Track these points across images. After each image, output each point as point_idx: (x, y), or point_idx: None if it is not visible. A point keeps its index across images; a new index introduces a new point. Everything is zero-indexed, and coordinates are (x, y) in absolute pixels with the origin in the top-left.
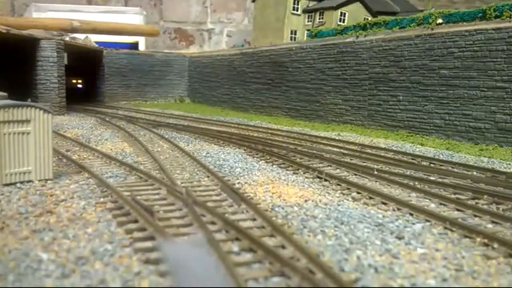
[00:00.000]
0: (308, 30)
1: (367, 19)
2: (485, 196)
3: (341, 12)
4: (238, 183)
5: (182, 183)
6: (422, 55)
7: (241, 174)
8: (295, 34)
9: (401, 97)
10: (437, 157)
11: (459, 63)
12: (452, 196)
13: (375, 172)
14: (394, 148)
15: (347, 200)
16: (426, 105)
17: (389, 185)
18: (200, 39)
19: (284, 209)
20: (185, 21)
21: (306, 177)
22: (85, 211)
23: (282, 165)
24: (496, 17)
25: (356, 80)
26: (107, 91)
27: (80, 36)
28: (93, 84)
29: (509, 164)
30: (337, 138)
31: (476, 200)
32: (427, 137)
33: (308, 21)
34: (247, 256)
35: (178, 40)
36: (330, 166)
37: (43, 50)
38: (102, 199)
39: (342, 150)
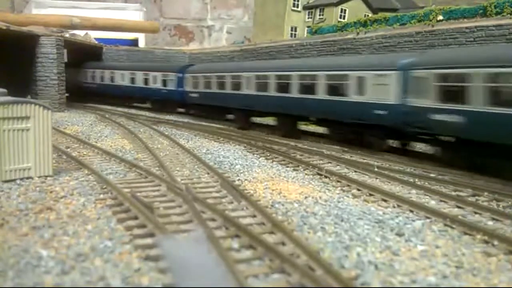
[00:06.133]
0: (308, 26)
1: (368, 15)
2: (486, 193)
3: (342, 9)
4: (238, 180)
5: (182, 180)
6: None
7: (241, 171)
8: (296, 30)
9: None
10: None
11: None
12: (453, 193)
13: (376, 169)
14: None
15: (347, 197)
16: None
17: (389, 182)
18: (200, 36)
19: (284, 206)
20: (185, 18)
21: (306, 174)
22: (85, 208)
23: (282, 162)
24: (497, 13)
25: None
26: None
27: (80, 33)
28: None
29: None
30: None
31: (477, 197)
32: None
33: (308, 18)
34: (247, 253)
35: (178, 36)
36: (330, 163)
37: (42, 47)
38: (102, 196)
39: None
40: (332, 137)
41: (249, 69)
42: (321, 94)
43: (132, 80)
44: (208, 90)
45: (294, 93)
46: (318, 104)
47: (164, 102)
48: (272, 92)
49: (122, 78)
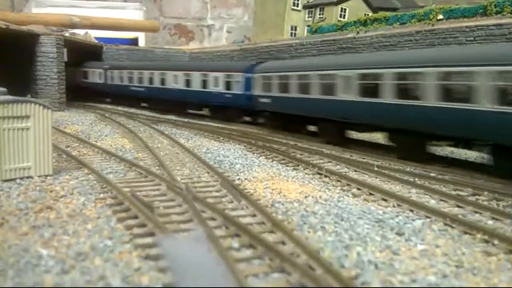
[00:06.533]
0: (308, 26)
1: (368, 15)
2: (486, 193)
3: (342, 8)
4: (238, 179)
5: (182, 179)
6: None
7: (241, 170)
8: (295, 30)
9: None
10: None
11: None
12: (453, 192)
13: (375, 168)
14: None
15: (347, 196)
16: None
17: (389, 181)
18: (200, 35)
19: (284, 205)
20: (185, 17)
21: (306, 173)
22: (85, 207)
23: (282, 161)
24: (497, 13)
25: None
26: None
27: (80, 32)
28: None
29: None
30: None
31: (477, 197)
32: None
33: (308, 17)
34: (247, 252)
35: (178, 36)
36: (330, 162)
37: (42, 46)
38: (102, 195)
39: None
40: (498, 169)
41: (348, 65)
42: (483, 103)
43: (187, 82)
44: (284, 94)
45: (429, 100)
46: (476, 118)
47: (227, 109)
48: (388, 97)
49: (175, 80)
